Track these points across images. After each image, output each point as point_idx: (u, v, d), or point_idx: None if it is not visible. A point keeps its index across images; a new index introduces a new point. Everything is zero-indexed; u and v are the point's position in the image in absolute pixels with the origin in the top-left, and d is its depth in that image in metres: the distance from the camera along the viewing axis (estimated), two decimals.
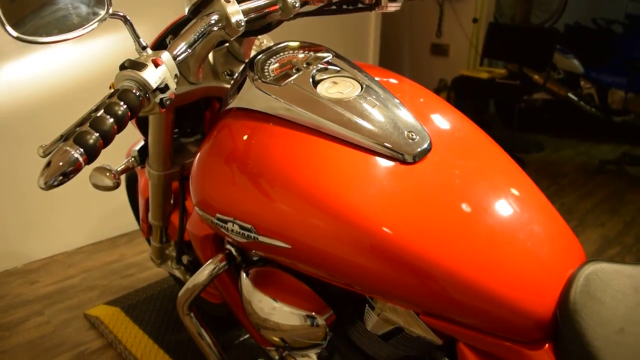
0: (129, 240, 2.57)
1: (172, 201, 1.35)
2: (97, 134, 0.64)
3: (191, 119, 1.22)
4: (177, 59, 0.76)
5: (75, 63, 2.21)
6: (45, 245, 2.40)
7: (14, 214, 2.26)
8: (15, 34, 0.69)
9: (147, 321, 1.93)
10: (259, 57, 0.94)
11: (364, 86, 0.87)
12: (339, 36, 3.27)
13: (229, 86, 1.02)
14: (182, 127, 1.25)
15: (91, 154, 0.64)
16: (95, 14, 0.75)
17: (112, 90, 0.70)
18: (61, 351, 1.81)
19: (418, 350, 0.88)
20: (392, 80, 0.95)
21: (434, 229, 0.72)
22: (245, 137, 0.87)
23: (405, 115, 0.83)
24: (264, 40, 1.18)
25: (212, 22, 0.80)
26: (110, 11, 0.77)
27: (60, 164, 0.62)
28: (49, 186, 0.62)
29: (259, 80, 0.89)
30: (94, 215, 2.51)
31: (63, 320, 1.97)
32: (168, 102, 0.74)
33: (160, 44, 1.00)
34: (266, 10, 0.89)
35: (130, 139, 1.28)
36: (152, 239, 1.46)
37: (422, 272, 0.71)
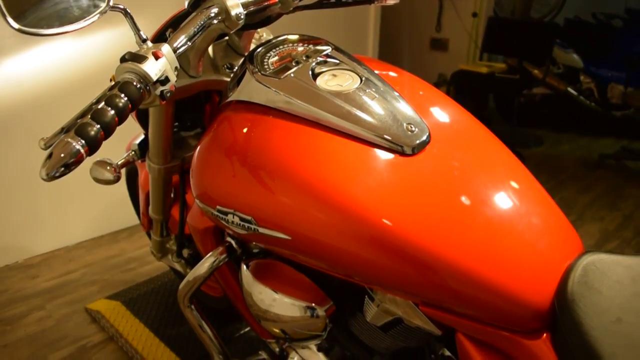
0: (130, 234, 2.57)
1: (172, 195, 1.35)
2: (98, 126, 0.65)
3: (191, 113, 1.23)
4: (177, 51, 0.77)
5: (79, 56, 2.21)
6: (46, 240, 2.41)
7: (15, 209, 2.26)
8: (16, 26, 0.70)
9: (148, 315, 1.94)
10: (258, 50, 0.95)
11: (363, 79, 0.87)
12: (338, 31, 3.26)
13: (228, 79, 1.02)
14: (182, 120, 1.25)
15: (92, 146, 0.64)
16: (96, 7, 0.76)
17: (113, 83, 0.70)
18: (62, 345, 1.82)
19: (417, 341, 0.89)
20: (391, 73, 0.95)
21: (433, 220, 0.73)
22: (245, 130, 0.88)
23: (404, 107, 0.84)
24: (264, 34, 1.18)
25: (212, 15, 0.81)
26: (111, 3, 0.77)
27: (62, 155, 0.62)
28: (50, 177, 0.63)
29: (259, 73, 0.89)
30: (94, 210, 2.52)
31: (64, 315, 1.98)
32: (168, 95, 0.75)
33: (160, 37, 1.01)
34: (266, 4, 0.89)
35: (129, 134, 1.28)
36: (153, 232, 1.47)
37: (421, 262, 0.71)
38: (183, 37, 0.78)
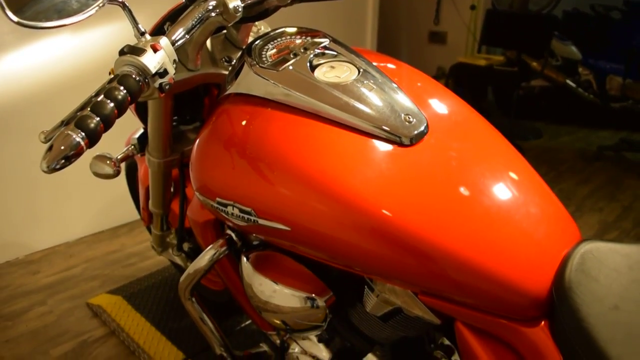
0: (130, 230, 2.57)
1: (172, 189, 1.35)
2: (98, 119, 0.65)
3: (190, 107, 1.23)
4: (176, 44, 0.77)
5: (76, 53, 2.21)
6: (46, 236, 2.41)
7: (15, 205, 2.27)
8: (15, 19, 0.70)
9: (149, 309, 1.94)
10: (256, 42, 0.95)
11: (361, 70, 0.88)
12: (336, 25, 3.25)
13: (227, 72, 1.02)
14: (181, 114, 1.25)
15: (92, 138, 0.65)
16: (94, 0, 0.76)
17: (112, 76, 0.71)
18: (64, 340, 1.82)
19: (417, 330, 0.89)
20: (389, 65, 0.96)
21: (432, 210, 0.73)
22: (243, 122, 0.88)
23: (402, 98, 0.84)
24: (262, 27, 1.18)
25: (210, 7, 0.81)
26: None
27: (62, 147, 0.63)
28: (51, 169, 0.63)
29: (257, 66, 0.89)
30: (95, 206, 2.52)
31: (65, 310, 1.99)
32: (167, 87, 0.75)
33: (158, 31, 1.01)
34: None
35: (129, 129, 1.29)
36: (153, 227, 1.47)
37: (420, 252, 0.72)
38: (181, 30, 0.79)
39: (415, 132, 0.79)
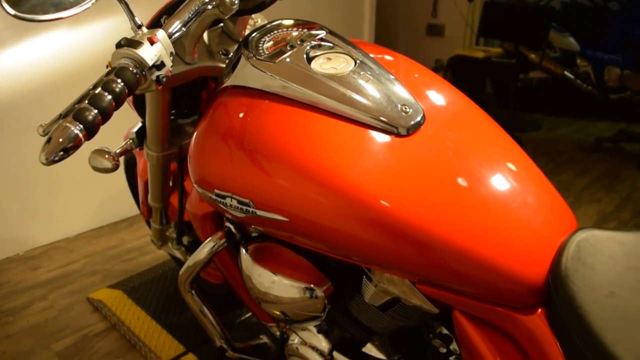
0: (129, 225, 2.58)
1: (171, 182, 1.36)
2: (96, 111, 0.66)
3: (188, 100, 1.23)
4: (173, 37, 0.77)
5: (72, 48, 2.21)
6: (47, 232, 2.42)
7: (15, 201, 2.27)
8: (12, 12, 0.70)
9: (149, 303, 1.95)
10: (253, 35, 0.95)
11: (357, 61, 0.88)
12: (333, 18, 3.25)
13: (224, 65, 1.03)
14: (179, 108, 1.25)
15: (90, 130, 0.65)
16: None
17: (110, 69, 0.71)
18: (65, 334, 1.83)
19: (415, 320, 0.90)
20: (386, 56, 0.96)
21: (429, 200, 0.73)
22: (241, 114, 0.88)
23: (398, 89, 0.84)
24: (258, 20, 1.18)
25: (207, 0, 0.81)
26: None
27: (61, 140, 0.63)
28: (49, 162, 0.64)
29: (254, 58, 0.89)
30: (94, 202, 2.52)
31: (66, 305, 1.99)
32: (164, 80, 0.75)
33: (155, 24, 1.01)
34: None
35: (127, 123, 1.29)
36: (152, 221, 1.48)
37: (418, 241, 0.72)
38: (178, 22, 0.79)
39: (412, 122, 0.79)
